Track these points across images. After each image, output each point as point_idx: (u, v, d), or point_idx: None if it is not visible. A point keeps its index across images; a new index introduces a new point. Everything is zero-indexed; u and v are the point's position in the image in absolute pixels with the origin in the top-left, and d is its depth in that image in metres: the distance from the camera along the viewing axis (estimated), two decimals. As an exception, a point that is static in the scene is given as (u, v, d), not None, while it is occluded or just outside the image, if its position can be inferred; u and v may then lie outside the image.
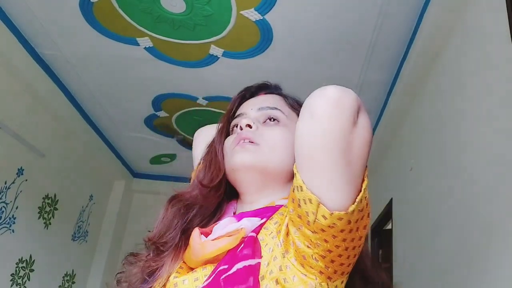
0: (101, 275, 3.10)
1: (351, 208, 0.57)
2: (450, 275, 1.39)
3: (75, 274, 2.88)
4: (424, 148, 1.78)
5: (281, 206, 0.72)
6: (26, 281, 2.32)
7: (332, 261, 0.60)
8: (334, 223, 0.57)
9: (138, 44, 1.93)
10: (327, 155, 0.57)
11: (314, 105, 0.59)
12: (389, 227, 2.29)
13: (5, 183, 2.07)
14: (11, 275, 2.20)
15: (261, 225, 0.67)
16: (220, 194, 0.78)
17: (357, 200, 0.58)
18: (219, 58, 1.98)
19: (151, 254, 0.73)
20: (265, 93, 0.83)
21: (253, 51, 1.92)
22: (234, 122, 0.80)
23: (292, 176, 0.77)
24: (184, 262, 0.72)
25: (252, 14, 1.70)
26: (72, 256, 2.83)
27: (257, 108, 0.78)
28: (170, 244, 0.72)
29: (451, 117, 1.51)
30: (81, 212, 2.91)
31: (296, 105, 0.80)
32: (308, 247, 0.59)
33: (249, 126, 0.75)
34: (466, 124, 1.37)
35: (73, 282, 2.86)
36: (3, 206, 2.08)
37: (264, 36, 1.82)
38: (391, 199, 2.19)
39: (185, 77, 2.16)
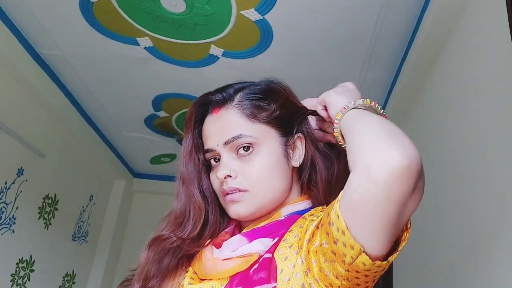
0: (101, 275, 3.10)
1: (392, 258, 0.57)
2: (451, 276, 1.39)
3: (75, 274, 2.87)
4: (424, 148, 1.78)
5: (291, 218, 0.71)
6: (26, 281, 2.32)
7: None
8: (372, 269, 0.56)
9: (138, 44, 1.93)
10: (381, 217, 0.54)
11: (376, 169, 0.53)
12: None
13: (5, 183, 2.07)
14: (11, 275, 2.19)
15: (275, 245, 0.65)
16: (214, 231, 0.75)
17: (399, 249, 0.57)
18: (219, 58, 1.98)
19: None
20: (219, 108, 0.75)
21: (253, 51, 1.92)
22: (207, 156, 0.76)
23: (291, 184, 0.75)
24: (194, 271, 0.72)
25: (252, 14, 1.70)
26: (72, 256, 2.83)
27: (223, 143, 0.72)
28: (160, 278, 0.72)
29: (451, 117, 1.51)
30: (81, 212, 2.91)
31: (255, 110, 0.73)
32: (336, 278, 0.58)
33: (229, 176, 0.71)
34: (467, 124, 1.37)
35: (73, 282, 2.86)
36: (3, 207, 2.08)
37: (264, 36, 1.82)
38: (391, 199, 2.19)
39: (185, 77, 2.16)
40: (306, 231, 0.63)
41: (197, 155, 0.77)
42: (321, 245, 0.59)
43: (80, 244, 2.93)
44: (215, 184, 0.75)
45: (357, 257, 0.55)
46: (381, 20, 1.69)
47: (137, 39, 1.89)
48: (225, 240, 0.73)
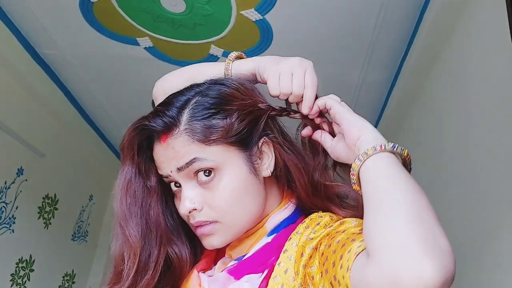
0: (101, 275, 3.10)
1: None
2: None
3: (75, 274, 2.87)
4: (424, 148, 1.78)
5: (280, 236, 0.65)
6: (26, 281, 2.32)
7: None
8: None
9: (138, 44, 1.93)
10: None
11: (404, 285, 0.43)
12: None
13: (5, 183, 2.07)
14: (11, 275, 2.19)
15: (266, 278, 0.60)
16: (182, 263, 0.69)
17: None
18: (219, 58, 1.98)
19: None
20: (166, 136, 0.64)
21: (253, 51, 1.92)
22: (165, 180, 0.67)
23: (265, 196, 0.67)
24: None
25: (252, 14, 1.70)
26: (72, 256, 2.83)
27: (176, 170, 0.64)
28: None
29: (451, 117, 1.51)
30: (81, 212, 2.91)
31: (208, 133, 0.63)
32: None
33: (194, 209, 0.64)
34: (466, 124, 1.37)
35: (73, 282, 2.86)
36: (3, 206, 2.08)
37: (264, 36, 1.82)
38: (391, 199, 2.18)
39: (185, 77, 2.15)
40: (302, 255, 0.58)
41: (144, 182, 0.69)
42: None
43: (79, 244, 2.92)
44: (181, 214, 0.67)
45: None
46: (381, 20, 1.69)
47: (137, 39, 1.89)
48: (208, 267, 0.69)
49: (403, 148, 0.57)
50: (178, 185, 0.67)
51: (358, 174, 0.56)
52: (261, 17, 1.71)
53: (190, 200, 0.64)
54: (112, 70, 2.14)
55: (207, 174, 0.63)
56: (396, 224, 0.47)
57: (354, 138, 0.60)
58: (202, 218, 0.64)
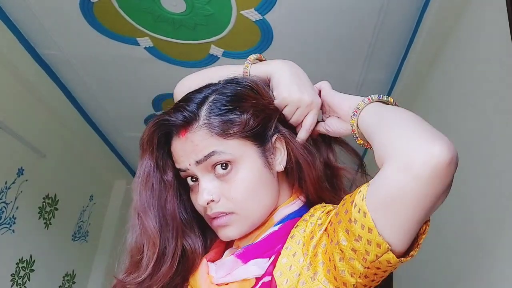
0: (102, 275, 3.10)
1: (414, 253, 0.56)
2: (450, 274, 1.39)
3: (75, 274, 2.87)
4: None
5: (287, 225, 0.67)
6: (26, 281, 2.32)
7: (370, 287, 0.59)
8: (395, 266, 0.55)
9: (138, 44, 1.93)
10: (413, 213, 0.53)
11: (419, 164, 0.50)
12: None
13: (5, 183, 2.07)
14: (11, 275, 2.19)
15: (273, 263, 0.62)
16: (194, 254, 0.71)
17: (420, 243, 0.57)
18: (219, 58, 1.98)
19: None
20: (185, 130, 0.67)
21: (253, 51, 1.92)
22: (182, 175, 0.70)
23: (278, 190, 0.71)
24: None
25: (252, 14, 1.70)
26: (72, 256, 2.83)
27: (194, 163, 0.66)
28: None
29: (450, 117, 1.51)
30: (81, 212, 2.91)
31: (226, 127, 0.66)
32: (351, 276, 0.57)
33: (211, 201, 0.66)
34: (466, 124, 1.37)
35: (74, 282, 2.86)
36: (3, 206, 2.08)
37: (264, 36, 1.82)
38: (392, 199, 2.18)
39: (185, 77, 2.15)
40: (312, 237, 0.61)
41: (161, 177, 0.71)
42: (337, 243, 0.57)
43: (80, 244, 2.93)
44: (198, 206, 0.70)
45: (382, 255, 0.53)
46: (381, 20, 1.69)
47: (137, 39, 1.89)
48: (217, 258, 0.71)
49: (387, 96, 0.65)
50: (194, 179, 0.70)
51: (358, 127, 0.64)
52: (261, 17, 1.71)
53: (208, 192, 0.66)
54: (112, 70, 2.14)
55: (224, 167, 0.66)
56: (402, 128, 0.57)
57: (347, 108, 0.67)
58: (219, 209, 0.67)
